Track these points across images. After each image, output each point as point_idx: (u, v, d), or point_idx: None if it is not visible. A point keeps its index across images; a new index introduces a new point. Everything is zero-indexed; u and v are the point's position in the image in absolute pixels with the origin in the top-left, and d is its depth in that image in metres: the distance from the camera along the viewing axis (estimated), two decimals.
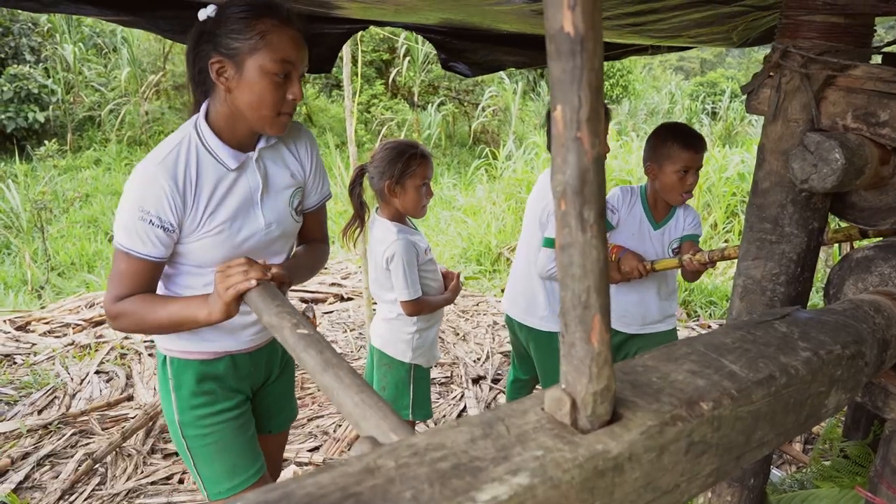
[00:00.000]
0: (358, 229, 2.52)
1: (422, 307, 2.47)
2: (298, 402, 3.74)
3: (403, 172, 2.39)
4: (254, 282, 1.43)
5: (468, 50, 3.14)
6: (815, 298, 5.53)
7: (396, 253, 2.38)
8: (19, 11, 10.47)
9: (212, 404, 1.78)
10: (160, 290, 1.70)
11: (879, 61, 1.47)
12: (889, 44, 1.35)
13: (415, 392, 2.61)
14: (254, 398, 1.98)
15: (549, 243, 2.56)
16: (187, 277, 1.69)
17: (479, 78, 12.83)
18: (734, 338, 0.85)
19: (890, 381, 1.19)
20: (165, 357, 1.79)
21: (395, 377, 2.59)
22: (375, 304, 2.67)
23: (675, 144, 2.52)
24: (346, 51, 3.70)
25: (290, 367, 2.10)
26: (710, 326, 4.95)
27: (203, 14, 1.56)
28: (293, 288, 5.98)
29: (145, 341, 4.37)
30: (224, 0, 1.56)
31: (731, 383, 0.73)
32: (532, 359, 2.89)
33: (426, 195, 2.46)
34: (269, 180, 1.71)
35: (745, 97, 1.42)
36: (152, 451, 3.24)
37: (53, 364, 4.09)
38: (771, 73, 1.31)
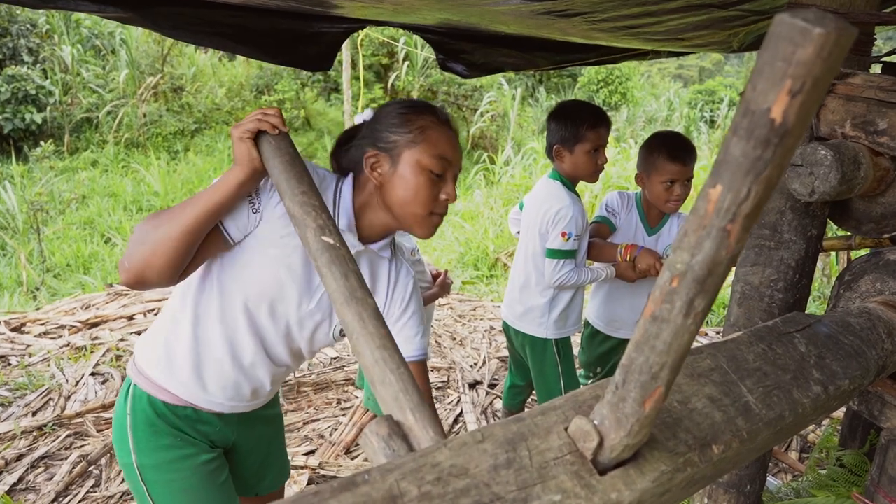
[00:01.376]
0: None
1: None
2: (294, 404, 3.74)
3: None
4: (267, 124, 1.31)
5: (466, 51, 3.15)
6: (812, 307, 5.54)
7: None
8: (18, 12, 10.48)
9: (179, 447, 1.58)
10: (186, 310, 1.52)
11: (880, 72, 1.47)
12: (889, 53, 1.35)
13: None
14: (231, 457, 1.76)
15: (553, 254, 2.57)
16: (212, 307, 1.51)
17: (478, 83, 12.85)
18: (756, 353, 0.85)
19: (886, 391, 1.19)
20: (129, 387, 1.59)
21: None
22: None
23: (662, 156, 2.58)
24: (345, 55, 3.71)
25: (277, 423, 1.90)
26: (706, 334, 4.95)
27: (360, 118, 1.62)
28: None
29: None
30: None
31: (744, 422, 0.73)
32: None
33: None
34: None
35: None
36: None
37: (48, 365, 4.07)
38: None
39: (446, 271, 2.70)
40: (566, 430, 0.62)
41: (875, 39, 1.24)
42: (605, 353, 2.97)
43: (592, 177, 2.61)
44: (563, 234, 2.52)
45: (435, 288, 2.60)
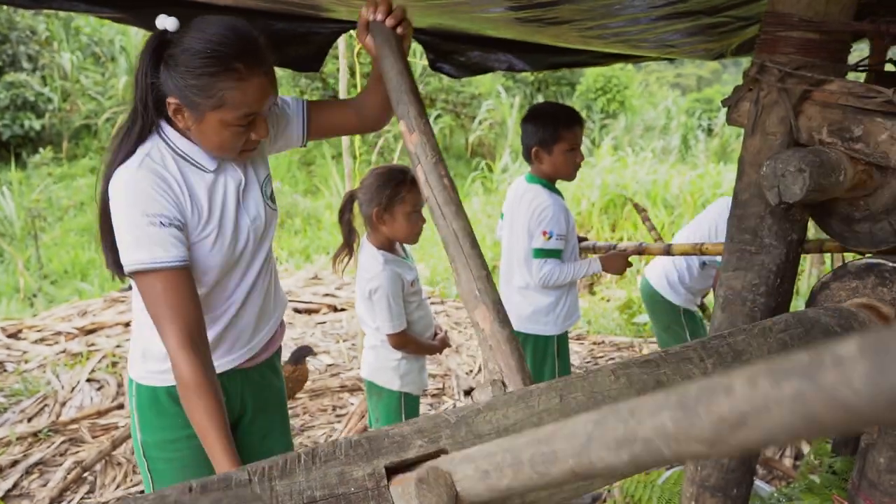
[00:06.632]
0: (347, 257, 2.40)
1: (408, 342, 2.37)
2: (290, 411, 3.74)
3: (392, 199, 2.28)
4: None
5: (456, 52, 3.15)
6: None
7: (381, 286, 2.28)
8: (17, 19, 10.52)
9: (180, 427, 1.56)
10: None
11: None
12: (861, 62, 1.37)
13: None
14: (236, 433, 1.72)
15: (537, 254, 2.60)
16: (203, 297, 1.51)
17: (477, 91, 12.89)
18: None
19: None
20: (132, 381, 1.62)
21: (386, 407, 2.50)
22: None
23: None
24: (342, 62, 3.72)
25: (276, 403, 1.85)
26: None
27: (161, 23, 1.41)
28: (290, 299, 5.91)
29: None
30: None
31: None
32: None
33: (418, 221, 2.35)
34: (248, 173, 1.59)
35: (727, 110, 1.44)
36: None
37: (44, 372, 4.08)
38: (750, 88, 1.34)
39: (445, 331, 2.63)
40: None
41: (851, 48, 1.26)
42: None
43: (571, 175, 2.67)
44: (545, 234, 2.56)
45: (437, 342, 2.55)
